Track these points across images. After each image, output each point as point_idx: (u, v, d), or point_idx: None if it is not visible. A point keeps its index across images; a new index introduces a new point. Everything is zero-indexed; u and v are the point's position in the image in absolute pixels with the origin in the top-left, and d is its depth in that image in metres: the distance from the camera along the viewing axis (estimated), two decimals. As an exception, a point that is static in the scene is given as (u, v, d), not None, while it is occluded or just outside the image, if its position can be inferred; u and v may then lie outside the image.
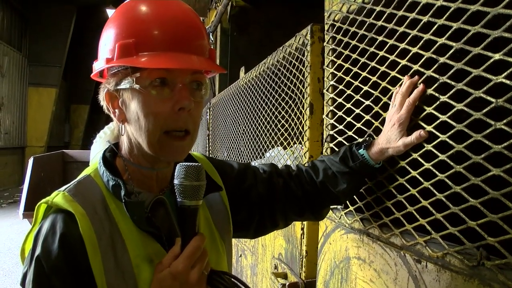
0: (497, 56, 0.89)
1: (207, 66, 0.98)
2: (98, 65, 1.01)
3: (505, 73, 0.87)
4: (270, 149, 2.40)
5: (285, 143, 2.13)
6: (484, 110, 0.93)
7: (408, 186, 1.16)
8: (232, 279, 1.01)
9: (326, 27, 1.67)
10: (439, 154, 1.06)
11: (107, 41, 0.98)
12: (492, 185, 0.91)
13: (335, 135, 1.55)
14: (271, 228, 1.33)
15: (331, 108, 1.59)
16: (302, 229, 1.80)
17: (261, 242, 2.48)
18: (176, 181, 0.96)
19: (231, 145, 3.43)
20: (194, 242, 0.94)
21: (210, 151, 4.56)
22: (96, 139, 2.10)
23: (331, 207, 1.53)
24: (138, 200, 0.96)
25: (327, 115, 1.62)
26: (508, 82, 0.86)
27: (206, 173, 1.09)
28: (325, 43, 1.67)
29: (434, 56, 1.08)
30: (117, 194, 0.97)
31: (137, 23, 0.95)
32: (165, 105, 0.93)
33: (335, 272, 1.53)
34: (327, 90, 1.63)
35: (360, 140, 1.31)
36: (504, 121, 0.88)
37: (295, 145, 2.01)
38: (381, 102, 1.29)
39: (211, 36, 5.90)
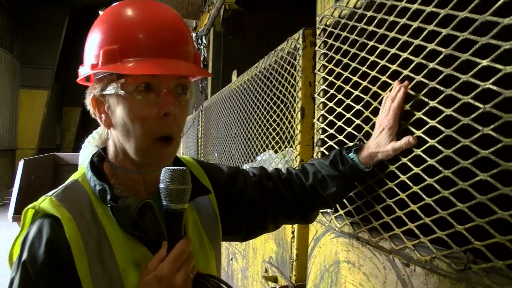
0: (484, 62, 0.90)
1: (192, 71, 0.98)
2: (84, 71, 1.01)
3: (492, 79, 0.88)
4: (261, 152, 2.41)
5: (276, 147, 2.14)
6: (472, 116, 0.94)
7: (398, 190, 1.17)
8: (219, 282, 1.01)
9: (318, 32, 1.68)
10: (428, 158, 1.07)
11: (92, 47, 0.98)
12: (479, 190, 0.92)
13: (325, 139, 1.56)
14: (261, 231, 1.33)
15: (322, 112, 1.59)
16: (293, 232, 1.81)
17: (252, 245, 2.48)
18: (161, 185, 0.95)
19: (223, 148, 3.44)
20: (180, 245, 0.94)
21: (202, 154, 4.56)
22: (85, 143, 2.10)
23: (321, 210, 1.54)
24: (123, 205, 0.96)
25: (318, 119, 1.63)
26: (495, 88, 0.87)
27: (195, 177, 1.09)
28: (316, 48, 1.68)
29: (424, 61, 1.09)
30: (103, 198, 0.97)
31: (122, 28, 0.95)
32: (150, 110, 0.93)
33: (325, 276, 1.54)
34: (318, 95, 1.64)
35: (351, 144, 1.32)
36: (491, 126, 0.89)
37: (287, 148, 2.01)
38: (372, 107, 1.30)
39: (204, 39, 5.91)
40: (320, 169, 1.27)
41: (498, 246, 0.87)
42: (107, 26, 0.97)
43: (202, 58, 5.94)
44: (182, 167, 0.97)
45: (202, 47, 5.94)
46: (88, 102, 1.02)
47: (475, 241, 0.92)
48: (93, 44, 0.97)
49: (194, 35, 6.07)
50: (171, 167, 0.97)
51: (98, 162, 1.05)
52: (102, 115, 1.01)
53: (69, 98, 20.68)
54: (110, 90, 0.95)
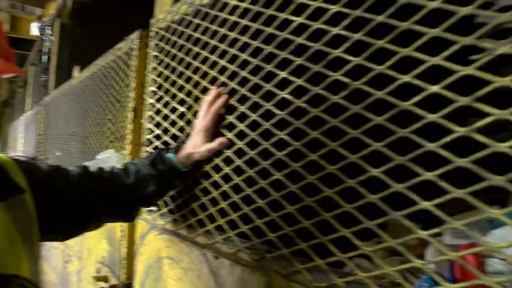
0: (283, 74, 1.02)
1: (4, 68, 0.95)
2: None
3: (288, 90, 1.00)
4: (99, 151, 2.36)
5: (111, 146, 2.12)
6: (272, 121, 1.05)
7: (211, 189, 1.25)
8: (25, 281, 0.99)
9: (151, 34, 1.71)
10: (237, 159, 1.16)
11: None
12: (275, 188, 1.03)
13: (152, 139, 1.59)
14: (82, 230, 1.31)
15: (150, 113, 1.62)
16: (122, 231, 1.81)
17: (86, 246, 2.42)
18: None
19: (63, 146, 3.29)
20: None
21: (41, 152, 4.30)
22: None
23: (147, 209, 1.57)
24: None
25: (146, 120, 1.66)
26: (289, 97, 0.99)
27: (7, 175, 1.05)
28: (148, 49, 1.71)
29: (237, 69, 1.18)
30: None
31: None
32: None
33: (149, 272, 1.57)
34: (147, 95, 1.67)
35: (173, 145, 1.38)
36: (286, 131, 1.00)
37: (123, 148, 2.01)
38: (193, 110, 1.36)
39: (49, 30, 5.55)
40: (142, 168, 1.30)
41: (288, 237, 0.99)
42: None
43: (47, 50, 5.57)
44: None
45: (47, 38, 5.56)
46: None
47: (270, 233, 1.03)
48: None
49: (38, 24, 5.67)
50: None
51: None
52: None
53: None
54: None
